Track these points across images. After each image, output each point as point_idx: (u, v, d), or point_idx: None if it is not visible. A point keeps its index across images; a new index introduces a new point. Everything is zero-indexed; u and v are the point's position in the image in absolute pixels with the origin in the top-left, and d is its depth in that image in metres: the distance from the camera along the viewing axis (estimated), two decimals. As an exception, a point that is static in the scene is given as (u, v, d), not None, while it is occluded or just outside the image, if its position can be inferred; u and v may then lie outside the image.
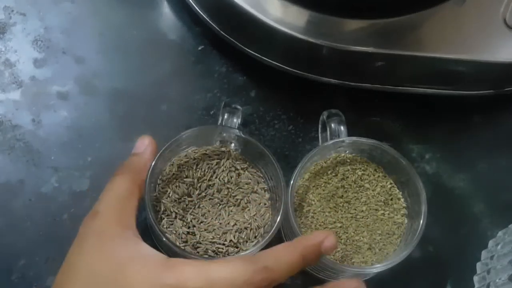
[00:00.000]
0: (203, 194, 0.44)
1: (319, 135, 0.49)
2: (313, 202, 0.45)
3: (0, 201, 0.45)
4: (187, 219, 0.43)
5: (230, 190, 0.44)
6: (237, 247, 0.42)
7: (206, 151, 0.45)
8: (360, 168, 0.46)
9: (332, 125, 0.46)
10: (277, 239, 0.45)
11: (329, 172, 0.46)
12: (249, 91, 0.51)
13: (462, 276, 0.46)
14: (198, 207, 0.43)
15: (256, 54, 0.49)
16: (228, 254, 0.42)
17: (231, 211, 0.44)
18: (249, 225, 0.43)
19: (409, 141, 0.51)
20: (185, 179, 0.44)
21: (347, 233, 0.44)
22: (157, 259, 0.35)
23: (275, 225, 0.42)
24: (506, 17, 0.47)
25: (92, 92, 0.50)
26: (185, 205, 0.43)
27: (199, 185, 0.44)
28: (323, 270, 0.44)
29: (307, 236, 0.37)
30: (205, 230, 0.43)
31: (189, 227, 0.43)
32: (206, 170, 0.45)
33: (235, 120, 0.46)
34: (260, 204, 0.44)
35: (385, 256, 0.44)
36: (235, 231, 0.43)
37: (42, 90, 0.49)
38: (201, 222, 0.43)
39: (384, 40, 0.47)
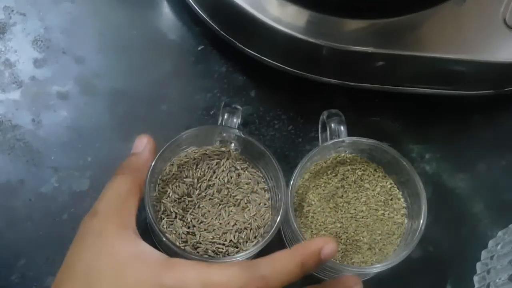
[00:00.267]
0: (203, 194, 0.44)
1: (319, 135, 0.49)
2: (313, 202, 0.45)
3: (0, 201, 0.45)
4: (187, 219, 0.43)
5: (230, 190, 0.44)
6: (237, 247, 0.42)
7: (206, 151, 0.45)
8: (360, 168, 0.46)
9: (332, 125, 0.46)
10: (277, 239, 0.45)
11: (329, 172, 0.46)
12: (249, 91, 0.51)
13: (462, 276, 0.47)
14: (198, 207, 0.43)
15: (256, 54, 0.49)
16: (228, 254, 0.42)
17: (231, 211, 0.44)
18: (249, 225, 0.43)
19: (409, 141, 0.51)
20: (185, 179, 0.44)
21: (347, 233, 0.44)
22: (157, 258, 0.35)
23: (275, 225, 0.42)
24: (506, 17, 0.47)
25: (92, 92, 0.50)
26: (185, 205, 0.43)
27: (199, 185, 0.44)
28: (323, 270, 0.44)
29: (306, 242, 0.37)
30: (205, 230, 0.43)
31: (189, 227, 0.43)
32: (206, 170, 0.45)
33: (235, 120, 0.46)
34: (260, 204, 0.44)
35: (385, 256, 0.44)
36: (235, 231, 0.43)
37: (42, 90, 0.49)
38: (201, 222, 0.43)
39: (384, 40, 0.47)
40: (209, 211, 0.43)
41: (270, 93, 0.51)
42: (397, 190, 0.46)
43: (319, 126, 0.49)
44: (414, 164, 0.48)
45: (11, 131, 0.47)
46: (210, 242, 0.42)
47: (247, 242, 0.43)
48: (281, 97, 0.51)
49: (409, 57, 0.47)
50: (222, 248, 0.42)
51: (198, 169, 0.45)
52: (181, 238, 0.42)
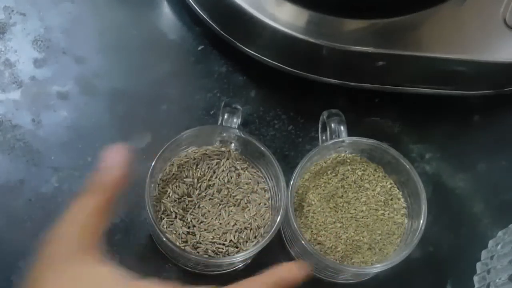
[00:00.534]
0: (203, 194, 0.44)
1: (319, 135, 0.49)
2: (313, 202, 0.45)
3: (0, 201, 0.45)
4: (187, 219, 0.43)
5: (230, 190, 0.44)
6: (237, 247, 0.42)
7: (206, 151, 0.45)
8: (360, 168, 0.46)
9: (332, 125, 0.46)
10: (277, 239, 0.45)
11: (329, 172, 0.46)
12: (249, 91, 0.51)
13: (462, 276, 0.46)
14: (198, 207, 0.43)
15: (256, 54, 0.49)
16: (228, 254, 0.42)
17: (231, 211, 0.44)
18: (249, 225, 0.43)
19: (409, 141, 0.51)
20: (185, 179, 0.44)
21: (347, 233, 0.44)
22: (121, 281, 0.33)
23: (275, 225, 0.42)
24: (506, 17, 0.47)
25: (92, 92, 0.50)
26: (185, 205, 0.43)
27: (199, 185, 0.44)
28: (323, 270, 0.44)
29: (277, 269, 0.35)
30: (205, 230, 0.43)
31: (189, 227, 0.43)
32: (206, 170, 0.45)
33: (235, 120, 0.46)
34: (260, 204, 0.44)
35: (385, 256, 0.44)
36: (235, 231, 0.43)
37: (42, 90, 0.49)
38: (201, 222, 0.43)
39: (384, 40, 0.47)
40: (209, 211, 0.43)
41: (270, 93, 0.51)
42: (397, 190, 0.46)
43: (319, 126, 0.49)
44: (414, 164, 0.48)
45: (11, 131, 0.47)
46: (210, 242, 0.42)
47: (247, 242, 0.43)
48: (281, 97, 0.51)
49: (409, 57, 0.47)
50: (222, 248, 0.42)
51: (198, 169, 0.45)
52: (181, 238, 0.42)
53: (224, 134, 0.45)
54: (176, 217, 0.43)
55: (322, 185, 0.46)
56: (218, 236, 0.42)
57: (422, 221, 0.43)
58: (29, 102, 0.48)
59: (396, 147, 0.45)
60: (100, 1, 0.54)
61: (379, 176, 0.46)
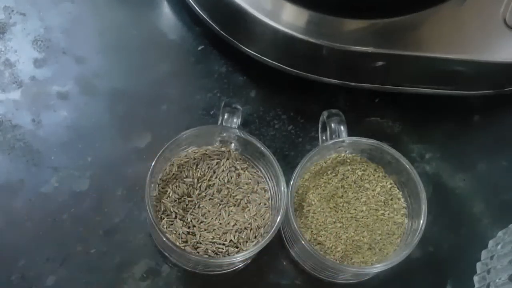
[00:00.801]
0: (203, 194, 0.44)
1: (319, 135, 0.49)
2: (313, 202, 0.45)
3: (0, 201, 0.45)
4: (187, 219, 0.43)
5: (230, 190, 0.44)
6: (237, 247, 0.42)
7: (206, 151, 0.45)
8: (360, 168, 0.46)
9: (332, 125, 0.46)
10: (277, 239, 0.45)
11: (329, 172, 0.46)
12: (249, 91, 0.51)
13: (462, 276, 0.46)
14: (198, 207, 0.43)
15: (256, 54, 0.49)
16: (228, 254, 0.42)
17: (231, 211, 0.44)
18: (249, 225, 0.43)
19: (409, 141, 0.51)
20: (185, 179, 0.44)
21: (347, 233, 0.44)
22: None
23: (275, 225, 0.42)
24: (506, 17, 0.47)
25: (92, 92, 0.50)
26: (185, 205, 0.43)
27: (199, 185, 0.44)
28: (323, 270, 0.44)
29: None
30: (205, 230, 0.43)
31: (189, 227, 0.43)
32: (206, 170, 0.45)
33: (235, 120, 0.46)
34: (260, 204, 0.44)
35: (385, 256, 0.44)
36: (235, 231, 0.43)
37: (42, 90, 0.49)
38: (201, 222, 0.43)
39: (384, 40, 0.47)
40: (209, 211, 0.43)
41: (270, 93, 0.51)
42: (397, 190, 0.46)
43: (319, 126, 0.49)
44: (414, 164, 0.48)
45: (11, 131, 0.47)
46: (210, 242, 0.42)
47: (247, 242, 0.43)
48: (281, 97, 0.51)
49: (409, 57, 0.47)
50: (222, 248, 0.42)
51: (198, 169, 0.45)
52: (181, 238, 0.42)
53: (224, 134, 0.45)
54: (176, 217, 0.43)
55: (322, 185, 0.46)
56: (218, 236, 0.42)
57: (422, 221, 0.43)
58: (29, 102, 0.48)
59: (396, 147, 0.45)
60: (100, 1, 0.54)
61: (379, 176, 0.46)
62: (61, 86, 0.49)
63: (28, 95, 0.49)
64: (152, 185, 0.43)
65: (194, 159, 0.45)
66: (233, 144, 0.46)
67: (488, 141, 0.52)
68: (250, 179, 0.45)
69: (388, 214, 0.45)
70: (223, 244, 0.42)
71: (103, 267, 0.44)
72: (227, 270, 0.44)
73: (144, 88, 0.51)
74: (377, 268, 0.42)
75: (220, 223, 0.43)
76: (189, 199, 0.43)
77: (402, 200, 0.46)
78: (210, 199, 0.44)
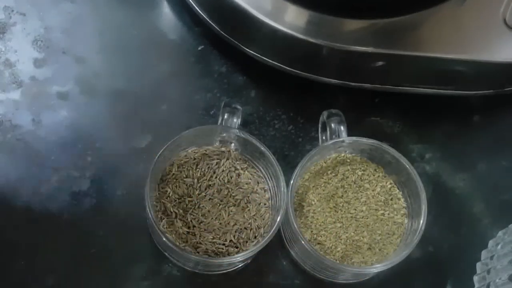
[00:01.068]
0: (203, 194, 0.44)
1: (319, 135, 0.49)
2: (313, 202, 0.45)
3: (0, 201, 0.45)
4: (187, 219, 0.43)
5: (230, 190, 0.44)
6: (237, 247, 0.43)
7: (206, 151, 0.45)
8: (360, 168, 0.46)
9: (332, 125, 0.46)
10: (277, 239, 0.45)
11: (329, 172, 0.46)
12: (249, 91, 0.51)
13: (462, 276, 0.46)
14: (198, 207, 0.43)
15: (256, 54, 0.49)
16: (228, 254, 0.42)
17: (231, 211, 0.44)
18: (249, 225, 0.43)
19: (409, 141, 0.51)
20: (185, 179, 0.44)
21: (347, 233, 0.44)
22: None
23: (275, 225, 0.42)
24: (506, 17, 0.47)
25: (92, 92, 0.50)
26: (185, 205, 0.43)
27: (199, 185, 0.44)
28: (323, 270, 0.44)
29: None
30: (205, 230, 0.43)
31: (189, 227, 0.43)
32: (206, 170, 0.45)
33: (235, 120, 0.46)
34: (260, 204, 0.44)
35: (385, 256, 0.44)
36: (235, 231, 0.43)
37: (42, 90, 0.49)
38: (201, 222, 0.43)
39: (384, 40, 0.47)
40: (209, 211, 0.43)
41: (270, 93, 0.51)
42: (397, 190, 0.46)
43: (319, 126, 0.49)
44: (414, 164, 0.48)
45: (11, 131, 0.47)
46: (210, 242, 0.42)
47: (247, 242, 0.43)
48: (281, 97, 0.51)
49: (409, 57, 0.47)
50: (222, 248, 0.42)
51: (198, 169, 0.45)
52: (181, 238, 0.42)
53: (224, 134, 0.45)
54: (176, 217, 0.43)
55: (322, 185, 0.46)
56: (218, 236, 0.42)
57: (422, 221, 0.43)
58: (29, 102, 0.48)
59: (396, 147, 0.45)
60: (100, 1, 0.54)
61: (379, 176, 0.46)
62: (61, 86, 0.49)
63: (28, 95, 0.49)
64: (152, 185, 0.43)
65: (194, 159, 0.45)
66: (233, 144, 0.46)
67: (488, 141, 0.52)
68: (250, 179, 0.45)
69: (388, 214, 0.45)
70: (223, 244, 0.42)
71: (103, 267, 0.44)
72: (227, 270, 0.44)
73: (144, 88, 0.51)
74: (377, 268, 0.42)
75: (220, 223, 0.43)
76: (189, 199, 0.43)
77: (402, 200, 0.46)
78: (210, 199, 0.44)
